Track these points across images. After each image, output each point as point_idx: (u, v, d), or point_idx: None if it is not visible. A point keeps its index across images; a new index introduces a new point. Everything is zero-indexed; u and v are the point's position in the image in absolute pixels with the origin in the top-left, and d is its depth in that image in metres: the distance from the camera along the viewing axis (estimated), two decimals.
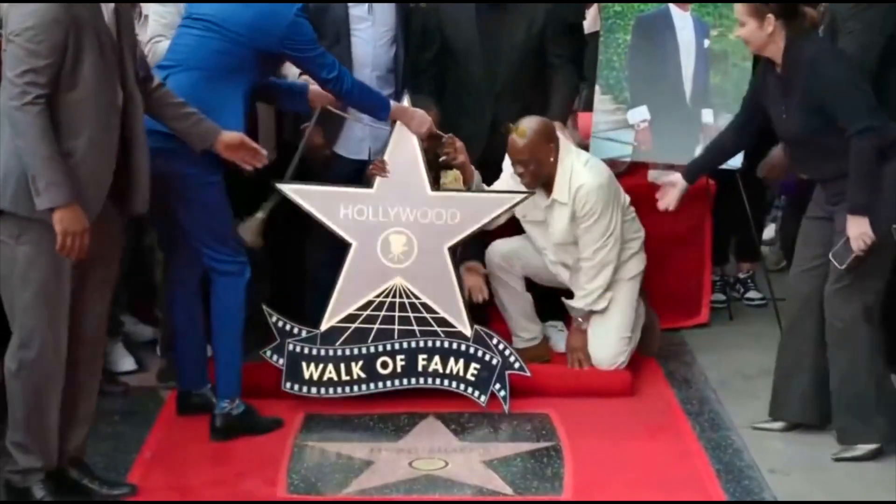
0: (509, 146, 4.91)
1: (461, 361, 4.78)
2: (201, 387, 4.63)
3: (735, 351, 5.39)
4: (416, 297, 4.78)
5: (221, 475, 4.21)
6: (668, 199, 4.81)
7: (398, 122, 4.80)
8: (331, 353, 4.77)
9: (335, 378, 4.77)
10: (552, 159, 4.92)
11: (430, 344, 4.78)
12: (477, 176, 5.03)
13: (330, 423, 4.67)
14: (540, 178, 4.93)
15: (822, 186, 4.43)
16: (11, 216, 3.67)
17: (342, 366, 4.77)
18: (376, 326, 4.78)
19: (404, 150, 4.80)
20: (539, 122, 4.93)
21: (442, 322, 4.79)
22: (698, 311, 5.70)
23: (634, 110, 5.50)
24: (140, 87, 3.92)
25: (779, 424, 4.57)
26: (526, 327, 5.23)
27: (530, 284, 5.24)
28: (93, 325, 3.93)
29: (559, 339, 5.37)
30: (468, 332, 4.78)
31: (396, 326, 4.79)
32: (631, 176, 5.50)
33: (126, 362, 5.10)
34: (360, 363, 4.77)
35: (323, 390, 4.77)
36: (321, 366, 4.76)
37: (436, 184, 4.88)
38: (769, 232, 6.44)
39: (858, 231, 4.18)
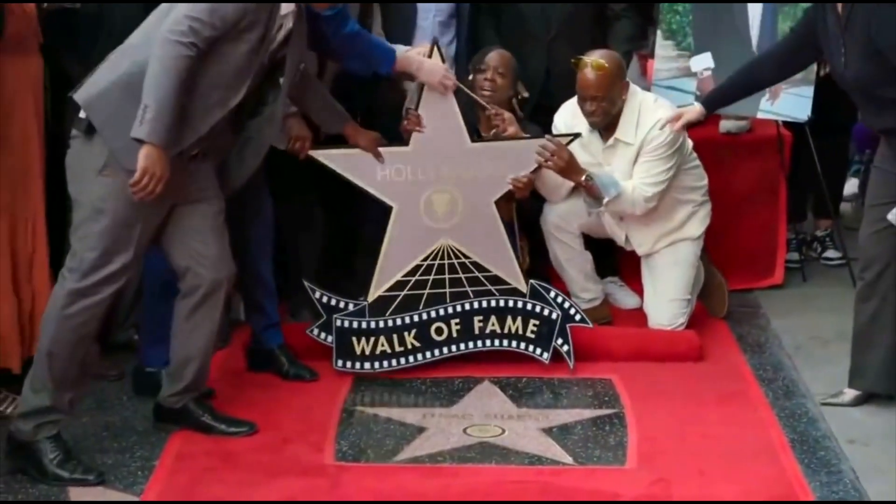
0: (580, 81, 4.73)
1: (519, 319, 4.65)
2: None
3: (811, 314, 5.25)
4: (466, 257, 4.68)
5: (266, 440, 4.12)
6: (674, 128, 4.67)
7: None
8: (381, 324, 4.65)
9: (388, 350, 4.64)
10: (623, 97, 4.76)
11: (484, 304, 4.66)
12: None
13: (380, 388, 4.58)
14: (610, 115, 4.77)
15: (887, 139, 4.22)
16: (101, 142, 3.72)
17: (394, 336, 4.65)
18: (426, 292, 4.66)
19: (438, 101, 4.60)
20: (613, 56, 4.78)
21: (495, 280, 4.68)
22: (772, 272, 5.57)
23: (698, 57, 5.31)
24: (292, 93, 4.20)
25: (849, 397, 4.36)
26: (586, 287, 5.10)
27: (586, 242, 5.09)
28: (202, 264, 3.96)
29: (622, 295, 5.32)
30: (523, 287, 4.67)
31: (448, 290, 4.67)
32: (700, 126, 5.32)
33: None
34: (414, 332, 4.65)
35: (377, 364, 4.64)
36: (372, 339, 4.64)
37: (475, 134, 4.73)
38: (850, 187, 6.28)
39: None
